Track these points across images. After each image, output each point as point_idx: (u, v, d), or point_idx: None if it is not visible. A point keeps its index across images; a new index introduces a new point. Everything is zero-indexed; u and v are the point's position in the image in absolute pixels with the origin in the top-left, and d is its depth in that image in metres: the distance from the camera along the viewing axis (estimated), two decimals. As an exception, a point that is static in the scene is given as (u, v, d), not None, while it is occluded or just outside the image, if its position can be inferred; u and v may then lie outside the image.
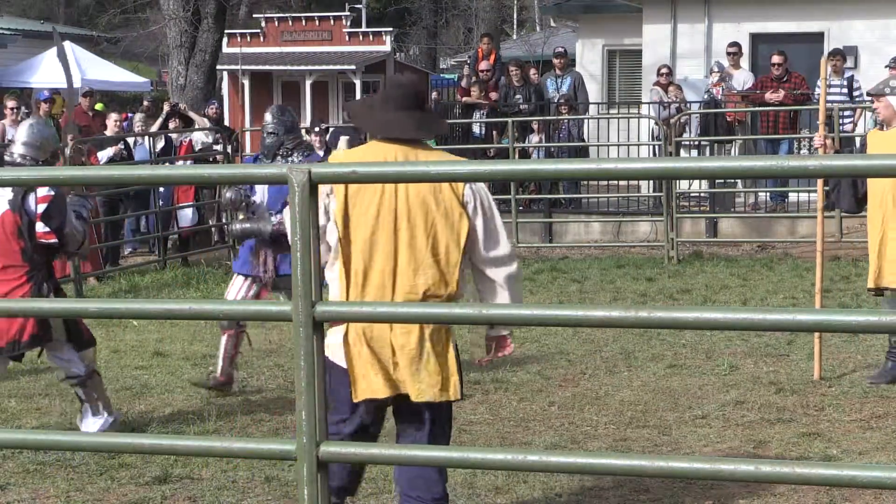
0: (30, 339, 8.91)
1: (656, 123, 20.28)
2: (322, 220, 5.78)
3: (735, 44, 21.09)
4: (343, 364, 6.01)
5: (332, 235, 5.95)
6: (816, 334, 10.61)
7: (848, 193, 10.30)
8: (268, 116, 10.38)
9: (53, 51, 34.85)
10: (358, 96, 29.93)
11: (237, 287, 10.48)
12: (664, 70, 21.45)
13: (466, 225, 6.08)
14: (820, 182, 11.17)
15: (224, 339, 10.58)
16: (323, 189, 5.77)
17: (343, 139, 6.76)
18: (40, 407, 10.25)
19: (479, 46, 23.33)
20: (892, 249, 10.04)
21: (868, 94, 11.24)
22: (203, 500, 7.85)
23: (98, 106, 23.97)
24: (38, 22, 47.79)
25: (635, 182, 19.97)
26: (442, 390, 6.10)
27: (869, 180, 10.36)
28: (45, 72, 33.80)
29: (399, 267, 5.98)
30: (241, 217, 10.30)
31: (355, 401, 6.03)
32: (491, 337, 6.45)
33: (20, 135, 9.33)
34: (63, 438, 5.45)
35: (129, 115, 22.96)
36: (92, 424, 9.33)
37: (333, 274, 6.00)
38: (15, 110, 19.99)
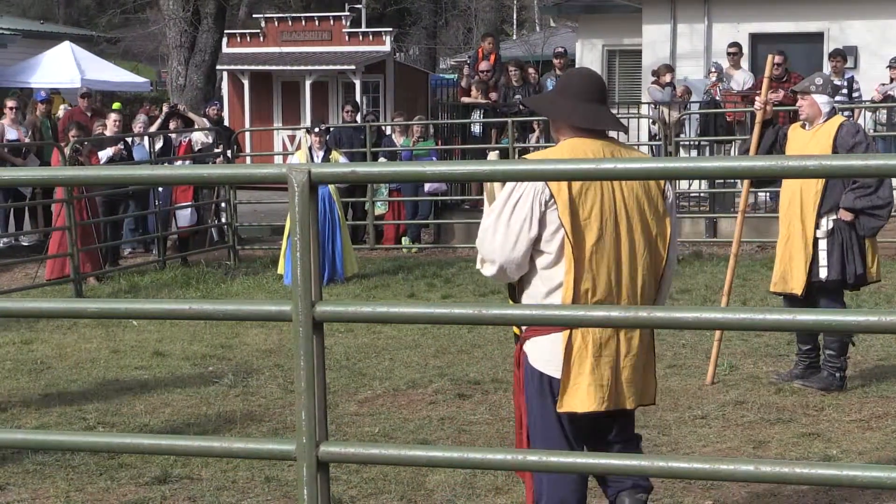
0: None
1: (653, 123, 20.29)
2: (535, 230, 5.63)
3: (735, 44, 21.10)
4: (555, 374, 5.75)
5: (552, 243, 5.66)
6: (716, 337, 10.62)
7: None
8: None
9: (53, 51, 35.09)
10: (358, 97, 29.89)
11: None
12: (663, 69, 21.44)
13: (669, 224, 5.87)
14: (746, 183, 11.16)
15: None
16: (540, 198, 5.61)
17: (493, 154, 6.38)
18: (39, 407, 10.25)
19: (480, 46, 23.31)
20: (798, 253, 10.02)
21: (792, 91, 11.19)
22: (203, 501, 7.85)
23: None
24: (38, 22, 47.82)
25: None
26: (649, 395, 5.94)
27: (783, 182, 10.36)
28: (44, 72, 33.85)
29: (623, 272, 5.71)
30: None
31: (559, 411, 5.75)
32: None
33: None
34: (63, 438, 5.44)
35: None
36: None
37: (550, 281, 5.70)
38: (14, 110, 20.01)
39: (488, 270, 5.80)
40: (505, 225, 5.67)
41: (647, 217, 5.78)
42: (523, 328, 5.88)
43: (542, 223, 5.65)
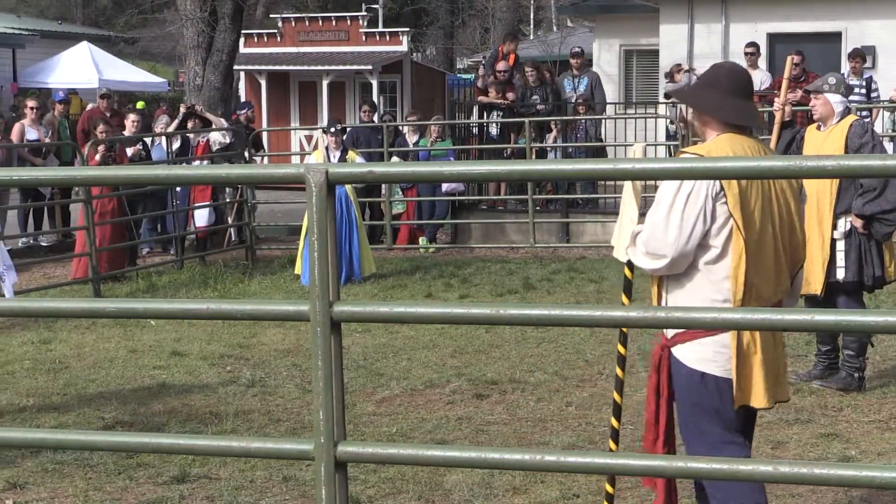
0: None
1: (671, 122, 20.25)
2: (708, 223, 5.65)
3: (753, 44, 21.05)
4: (723, 374, 5.78)
5: (719, 237, 5.70)
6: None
7: None
8: None
9: (71, 51, 35.19)
10: (375, 97, 29.90)
11: None
12: (675, 69, 21.45)
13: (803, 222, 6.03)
14: None
15: None
16: (711, 191, 5.63)
17: (638, 146, 6.39)
18: (58, 406, 10.27)
19: (500, 45, 23.28)
20: (816, 254, 9.99)
21: (805, 91, 11.11)
22: (221, 500, 7.86)
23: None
24: (56, 22, 47.93)
25: (652, 182, 19.94)
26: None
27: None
28: (62, 72, 33.97)
29: (779, 267, 5.85)
30: None
31: (736, 406, 5.80)
32: None
33: None
34: (81, 438, 5.45)
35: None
36: None
37: (715, 275, 5.73)
38: (35, 110, 20.10)
39: (653, 264, 5.80)
40: (678, 218, 5.67)
41: (792, 214, 5.91)
42: (667, 333, 5.91)
43: (712, 216, 5.68)
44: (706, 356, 5.78)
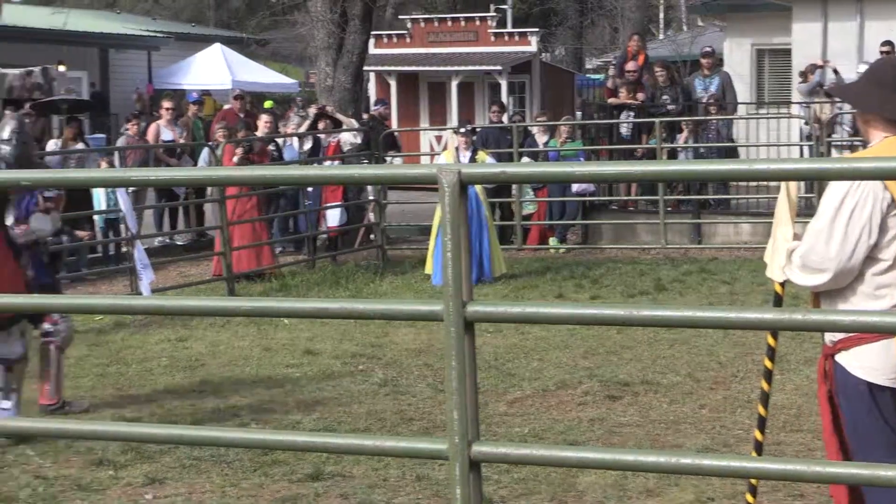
0: None
1: (806, 123, 19.97)
2: (874, 237, 5.29)
3: (888, 42, 20.67)
4: (890, 384, 5.38)
5: (889, 250, 5.32)
6: None
7: None
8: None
9: (204, 53, 35.70)
10: (504, 97, 29.90)
11: None
12: (810, 69, 21.18)
13: None
14: None
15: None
16: (881, 203, 5.25)
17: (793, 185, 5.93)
18: (194, 403, 10.43)
19: (628, 45, 23.16)
20: None
21: None
22: (355, 498, 7.93)
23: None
24: (190, 25, 48.65)
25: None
26: None
27: None
28: (195, 74, 34.48)
29: None
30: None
31: None
32: None
33: None
34: (217, 434, 5.53)
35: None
36: None
37: (883, 288, 5.34)
38: (170, 111, 20.46)
39: (815, 279, 5.42)
40: (842, 232, 5.30)
41: None
42: (829, 340, 5.57)
43: (881, 229, 5.30)
44: (871, 364, 5.38)
